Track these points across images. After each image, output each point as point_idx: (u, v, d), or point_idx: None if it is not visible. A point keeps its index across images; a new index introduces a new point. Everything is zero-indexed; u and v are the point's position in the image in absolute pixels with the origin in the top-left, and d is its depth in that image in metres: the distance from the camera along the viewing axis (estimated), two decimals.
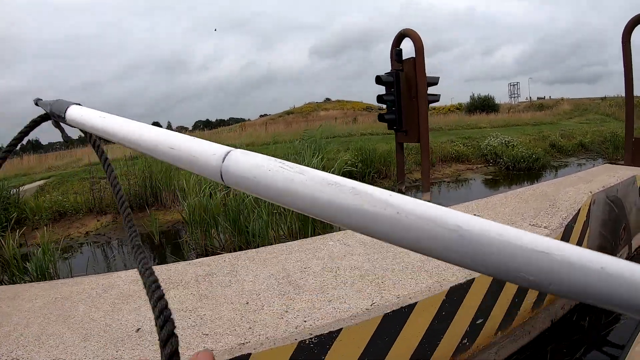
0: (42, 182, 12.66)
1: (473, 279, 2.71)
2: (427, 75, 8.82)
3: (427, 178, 8.55)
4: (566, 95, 48.28)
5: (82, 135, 0.80)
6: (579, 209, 3.87)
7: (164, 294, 0.45)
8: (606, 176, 5.16)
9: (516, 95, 50.30)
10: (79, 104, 0.80)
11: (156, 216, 8.58)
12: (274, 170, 0.39)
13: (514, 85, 51.16)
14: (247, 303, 2.49)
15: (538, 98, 48.11)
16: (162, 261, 7.14)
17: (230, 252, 4.30)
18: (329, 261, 3.09)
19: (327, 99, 62.99)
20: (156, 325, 0.42)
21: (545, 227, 3.50)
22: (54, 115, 0.83)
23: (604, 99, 41.39)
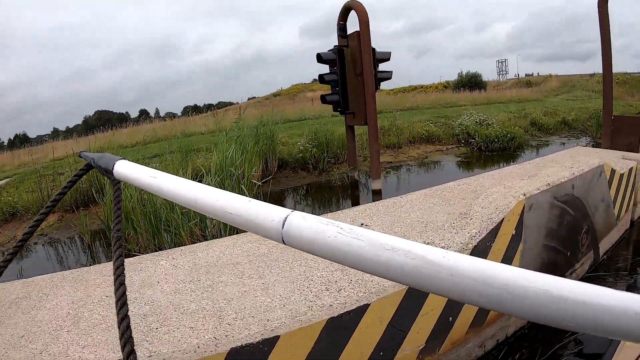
0: (4, 180, 12.12)
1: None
2: (377, 50, 8.07)
3: (376, 164, 7.84)
4: (557, 72, 47.36)
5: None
6: (501, 221, 2.89)
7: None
8: (559, 168, 4.28)
9: (504, 72, 49.46)
10: (125, 159, 0.89)
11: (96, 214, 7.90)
12: (332, 236, 0.43)
13: (502, 62, 50.30)
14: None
15: (526, 75, 47.14)
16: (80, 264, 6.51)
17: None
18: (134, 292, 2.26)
19: (315, 80, 61.68)
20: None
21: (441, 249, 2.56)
22: (101, 168, 0.90)
23: (592, 75, 40.60)
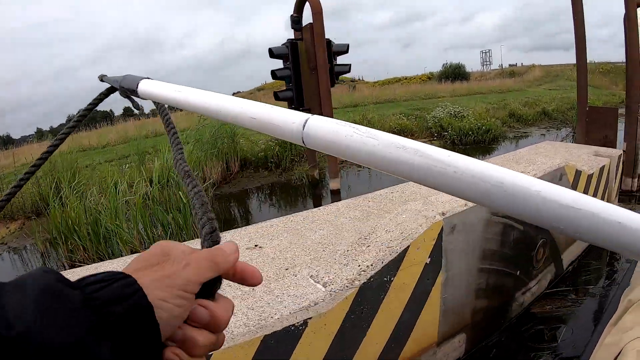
0: None
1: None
2: (335, 42, 7.61)
3: (334, 163, 7.40)
4: (543, 62, 47.11)
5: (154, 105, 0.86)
6: (406, 249, 2.31)
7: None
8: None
9: (488, 63, 49.14)
10: (149, 78, 0.86)
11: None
12: (348, 135, 0.46)
13: (485, 52, 49.95)
14: None
15: (510, 65, 46.83)
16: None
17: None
18: None
19: None
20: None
21: (323, 286, 1.99)
22: (124, 88, 0.90)
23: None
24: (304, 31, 7.50)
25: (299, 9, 7.75)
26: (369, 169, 10.50)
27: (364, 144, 0.45)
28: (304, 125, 0.51)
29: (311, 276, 2.09)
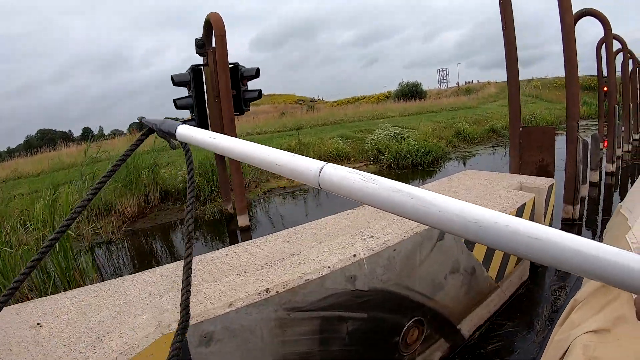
0: None
1: None
2: (243, 66, 7.11)
3: (241, 198, 6.79)
4: (501, 79, 48.23)
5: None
6: None
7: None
8: (379, 226, 3.02)
9: (445, 80, 50.02)
10: (185, 124, 0.98)
11: None
12: (356, 181, 0.56)
13: (442, 70, 50.94)
14: None
15: (466, 82, 47.78)
16: None
17: None
18: None
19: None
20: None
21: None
22: (163, 132, 1.00)
23: (530, 80, 41.54)
24: (209, 56, 6.96)
25: (206, 32, 7.21)
26: (296, 198, 9.97)
27: (367, 188, 0.55)
28: (319, 172, 0.62)
29: None
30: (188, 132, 0.93)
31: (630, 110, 15.14)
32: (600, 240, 2.38)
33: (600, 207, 7.90)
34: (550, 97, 32.83)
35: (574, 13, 10.27)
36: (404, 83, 40.60)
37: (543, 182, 4.63)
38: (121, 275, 3.11)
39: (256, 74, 7.18)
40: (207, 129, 6.50)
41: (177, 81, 6.76)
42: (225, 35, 6.69)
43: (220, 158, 7.69)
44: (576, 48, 6.82)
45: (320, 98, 52.25)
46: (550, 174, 6.13)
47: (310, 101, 48.78)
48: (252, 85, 7.36)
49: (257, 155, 0.73)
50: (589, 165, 8.78)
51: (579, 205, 6.52)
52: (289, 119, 21.33)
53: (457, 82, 48.94)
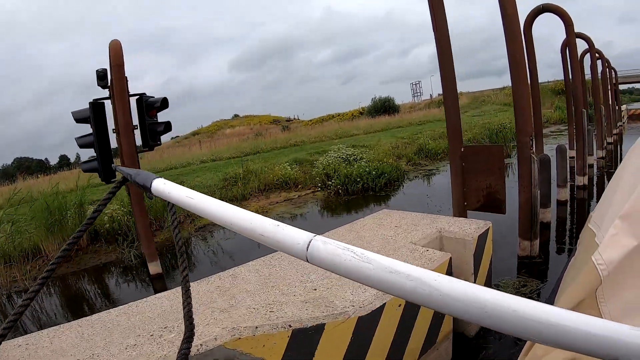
0: None
1: None
2: (148, 96, 6.59)
3: (149, 244, 6.22)
4: (475, 89, 48.52)
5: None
6: None
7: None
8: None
9: (419, 94, 50.25)
10: (161, 177, 0.94)
11: None
12: (348, 259, 0.52)
13: (416, 84, 51.24)
14: None
15: (439, 94, 47.94)
16: None
17: None
18: None
19: (236, 115, 59.85)
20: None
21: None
22: (138, 184, 0.95)
23: (502, 89, 41.75)
24: (111, 88, 6.46)
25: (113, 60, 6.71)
26: (228, 236, 9.31)
27: (361, 267, 0.50)
28: (307, 247, 0.56)
29: None
30: (164, 187, 0.89)
31: (602, 113, 14.66)
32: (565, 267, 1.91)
33: (569, 234, 6.90)
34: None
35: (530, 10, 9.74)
36: (377, 98, 40.62)
37: (472, 228, 3.72)
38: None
39: (162, 104, 6.60)
40: (111, 170, 5.92)
41: (77, 118, 6.19)
42: (122, 65, 6.21)
43: (136, 201, 7.10)
44: (526, 50, 6.43)
45: (296, 117, 52.02)
46: (499, 203, 5.28)
47: (286, 120, 48.48)
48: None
49: (237, 221, 0.67)
50: (556, 182, 8.28)
51: (537, 240, 5.59)
52: (248, 143, 20.83)
53: (430, 95, 49.13)
